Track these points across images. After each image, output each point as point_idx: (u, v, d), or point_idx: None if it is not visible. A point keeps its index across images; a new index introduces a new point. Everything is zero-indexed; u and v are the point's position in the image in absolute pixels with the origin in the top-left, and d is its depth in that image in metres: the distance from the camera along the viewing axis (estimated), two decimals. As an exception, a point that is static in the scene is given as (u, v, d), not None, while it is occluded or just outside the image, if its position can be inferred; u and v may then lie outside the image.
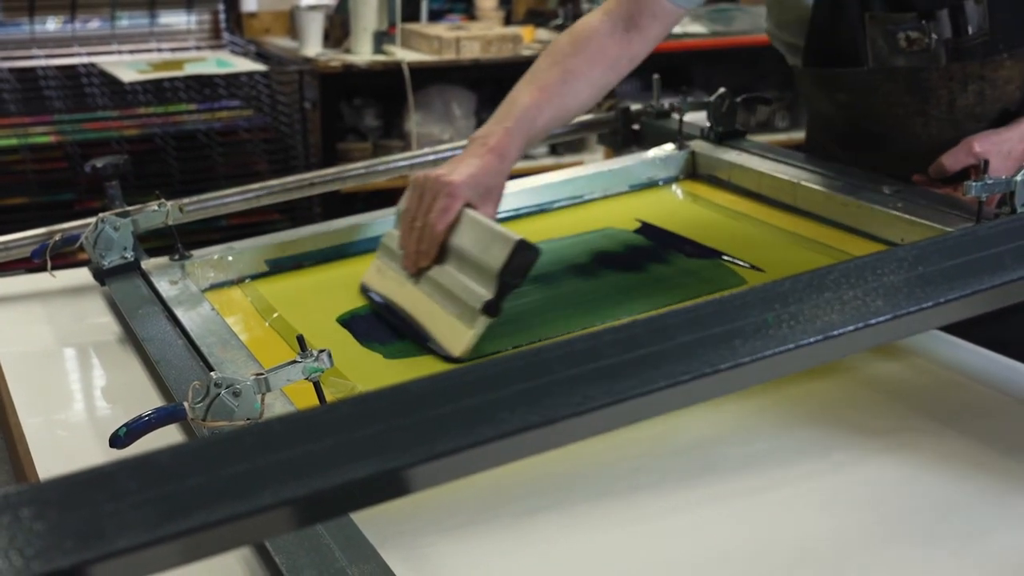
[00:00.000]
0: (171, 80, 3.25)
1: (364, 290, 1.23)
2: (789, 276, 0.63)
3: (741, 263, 1.24)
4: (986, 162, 1.16)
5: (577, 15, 3.73)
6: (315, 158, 3.48)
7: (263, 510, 0.46)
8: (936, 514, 0.85)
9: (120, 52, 3.59)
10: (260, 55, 3.65)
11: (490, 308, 1.07)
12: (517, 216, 1.43)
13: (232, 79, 3.36)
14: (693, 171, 1.53)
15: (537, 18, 4.13)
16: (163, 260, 1.26)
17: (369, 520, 0.76)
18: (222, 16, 3.81)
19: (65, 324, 1.25)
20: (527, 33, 3.82)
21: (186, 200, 1.33)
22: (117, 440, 0.84)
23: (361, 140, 3.74)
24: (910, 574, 0.78)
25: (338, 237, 1.33)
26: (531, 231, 1.38)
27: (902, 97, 1.36)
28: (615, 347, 0.55)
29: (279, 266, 1.31)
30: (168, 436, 0.91)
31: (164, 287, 1.19)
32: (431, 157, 1.53)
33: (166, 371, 1.02)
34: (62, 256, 1.28)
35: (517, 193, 1.44)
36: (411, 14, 3.86)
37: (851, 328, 0.59)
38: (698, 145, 1.53)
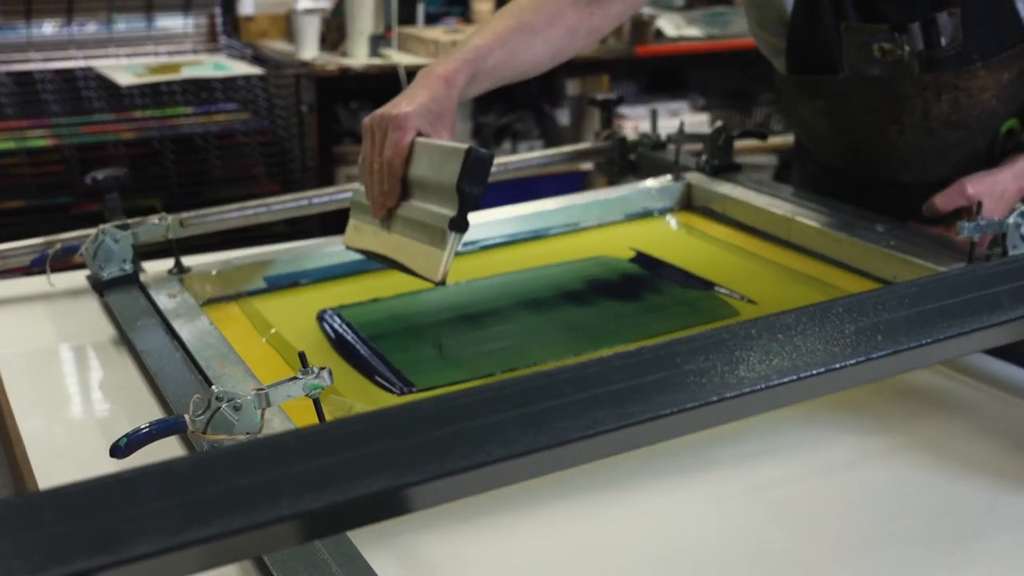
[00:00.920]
0: (168, 83, 3.25)
1: (349, 250, 1.26)
2: (793, 309, 0.64)
3: (734, 295, 1.25)
4: (979, 203, 1.17)
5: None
6: (312, 161, 3.48)
7: (278, 521, 0.46)
8: (931, 515, 0.86)
9: (117, 55, 3.58)
10: (257, 58, 3.65)
11: (456, 224, 1.07)
12: (512, 242, 1.45)
13: (229, 82, 3.37)
14: (688, 203, 1.54)
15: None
16: (161, 273, 1.27)
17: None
18: (219, 20, 3.80)
19: (63, 326, 1.25)
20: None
21: (186, 215, 1.34)
22: (118, 450, 0.84)
23: (358, 143, 3.71)
24: (905, 574, 0.80)
25: (335, 257, 1.34)
26: (526, 257, 1.40)
27: (877, 105, 1.36)
28: (624, 372, 0.56)
29: (276, 283, 1.32)
30: (168, 447, 0.92)
31: (162, 300, 1.20)
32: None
33: (164, 383, 1.02)
34: (60, 259, 1.28)
35: (513, 219, 1.45)
36: (407, 17, 3.85)
37: (852, 362, 0.61)
38: (694, 177, 1.55)
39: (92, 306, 1.27)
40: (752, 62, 3.95)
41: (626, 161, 1.67)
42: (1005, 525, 0.85)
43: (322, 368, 0.89)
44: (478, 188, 1.07)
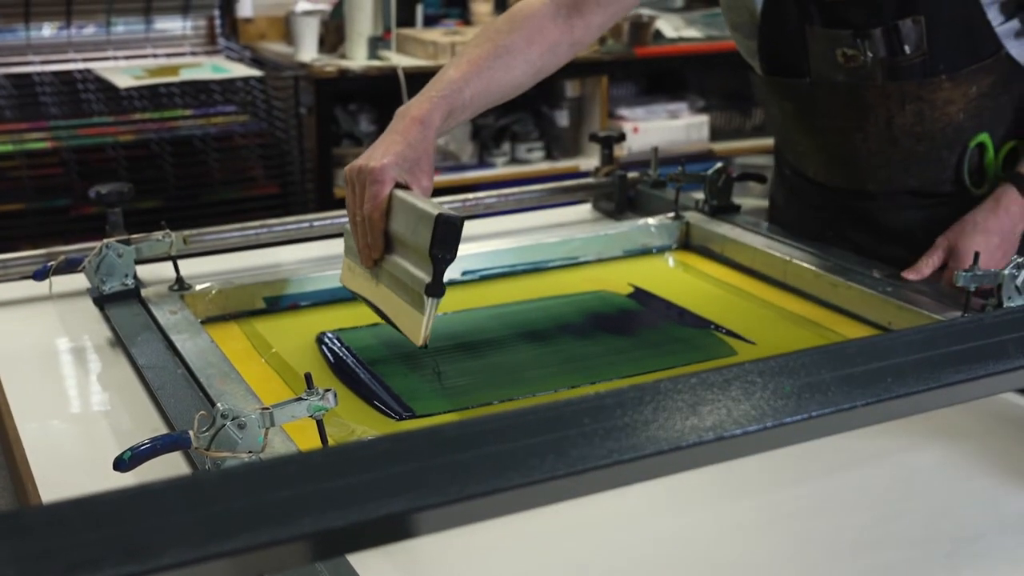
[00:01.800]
0: (167, 86, 3.25)
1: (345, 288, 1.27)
2: (802, 350, 0.65)
3: (731, 334, 1.26)
4: (977, 254, 1.19)
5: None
6: (310, 163, 3.48)
7: (303, 537, 0.47)
8: (930, 516, 0.87)
9: (116, 58, 3.59)
10: (255, 60, 3.65)
11: (432, 290, 1.08)
12: (512, 273, 1.45)
13: (227, 84, 3.37)
14: (687, 242, 1.55)
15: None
16: (162, 289, 1.28)
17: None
18: (217, 22, 3.80)
19: (62, 330, 1.26)
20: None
21: (188, 232, 1.35)
22: (121, 463, 0.85)
23: (356, 145, 3.72)
24: (905, 575, 0.81)
25: (336, 280, 1.34)
26: (525, 289, 1.41)
27: (842, 111, 1.36)
28: (640, 404, 0.57)
29: (276, 304, 1.32)
30: (168, 463, 0.92)
31: (163, 316, 1.20)
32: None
33: (166, 400, 1.02)
34: (63, 271, 1.29)
35: (512, 251, 1.46)
36: (406, 19, 3.85)
37: (862, 403, 0.62)
38: (693, 216, 1.56)
39: (92, 309, 1.27)
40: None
41: (625, 198, 1.68)
42: (1005, 526, 0.86)
43: (327, 390, 0.90)
44: (450, 253, 1.07)
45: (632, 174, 1.70)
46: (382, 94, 3.68)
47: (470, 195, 1.63)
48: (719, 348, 1.23)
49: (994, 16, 1.30)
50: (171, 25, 3.74)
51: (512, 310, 1.34)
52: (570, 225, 1.60)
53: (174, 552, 0.45)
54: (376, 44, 3.58)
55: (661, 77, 4.12)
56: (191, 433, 0.87)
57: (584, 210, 1.71)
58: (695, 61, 3.95)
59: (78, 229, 2.92)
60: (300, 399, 0.89)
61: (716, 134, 4.00)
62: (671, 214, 1.57)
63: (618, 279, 1.44)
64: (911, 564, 0.82)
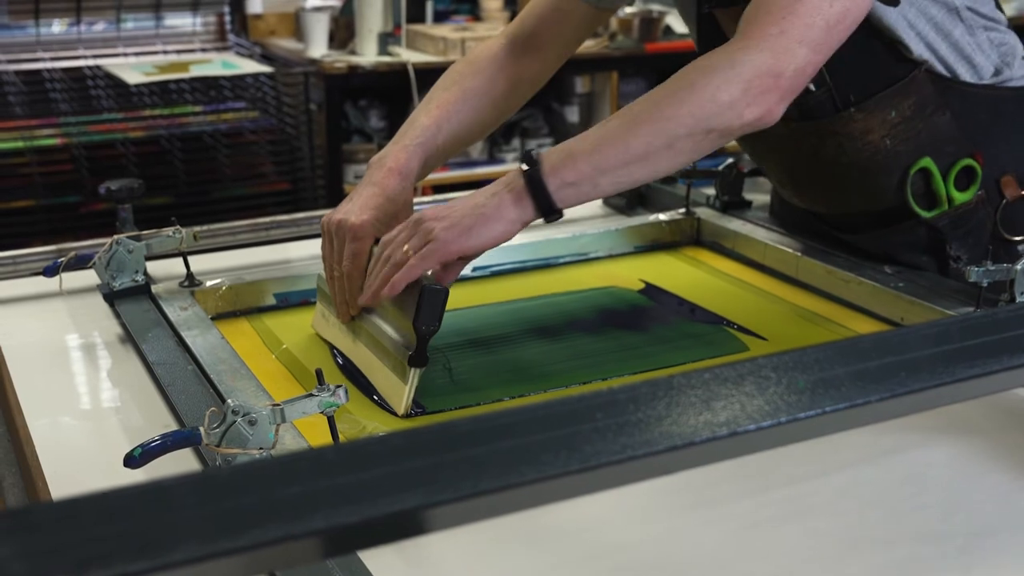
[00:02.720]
0: (176, 82, 3.26)
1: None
2: (815, 345, 0.64)
3: (743, 330, 1.26)
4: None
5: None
6: (320, 159, 3.48)
7: (314, 534, 0.47)
8: (943, 511, 0.87)
9: (125, 54, 3.59)
10: (265, 57, 3.65)
11: (415, 361, 1.05)
12: (522, 269, 1.45)
13: (237, 81, 3.37)
14: (697, 237, 1.55)
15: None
16: (173, 285, 1.28)
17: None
18: (227, 18, 3.81)
19: (72, 326, 1.26)
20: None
21: (199, 228, 1.35)
22: (131, 460, 0.85)
23: (367, 141, 3.73)
24: (917, 572, 0.80)
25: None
26: (536, 284, 1.40)
27: (774, 144, 1.35)
28: (653, 399, 0.56)
29: (287, 300, 1.32)
30: (178, 458, 0.92)
31: (174, 312, 1.20)
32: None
33: (176, 396, 1.02)
34: (73, 267, 1.29)
35: (523, 247, 1.46)
36: (416, 15, 3.85)
37: (876, 398, 0.61)
38: (704, 212, 1.56)
39: (102, 306, 1.27)
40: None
41: (636, 194, 1.67)
42: (1019, 522, 0.86)
43: (338, 386, 0.90)
44: (434, 325, 1.05)
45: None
46: (392, 90, 3.67)
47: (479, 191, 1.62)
48: (731, 344, 1.23)
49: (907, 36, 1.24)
50: (181, 21, 3.75)
51: (523, 306, 1.33)
52: (581, 221, 1.60)
53: (184, 548, 0.44)
54: (386, 40, 3.58)
55: (671, 73, 4.09)
56: (202, 429, 0.87)
57: (595, 206, 1.70)
58: (700, 58, 3.93)
59: (88, 225, 2.93)
60: (311, 395, 0.89)
61: (727, 130, 3.97)
62: (682, 210, 1.56)
63: (629, 275, 1.43)
64: (924, 560, 0.81)
